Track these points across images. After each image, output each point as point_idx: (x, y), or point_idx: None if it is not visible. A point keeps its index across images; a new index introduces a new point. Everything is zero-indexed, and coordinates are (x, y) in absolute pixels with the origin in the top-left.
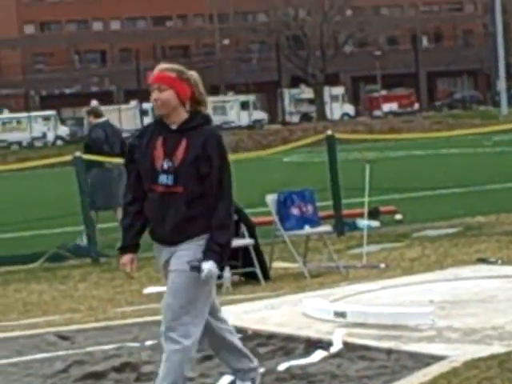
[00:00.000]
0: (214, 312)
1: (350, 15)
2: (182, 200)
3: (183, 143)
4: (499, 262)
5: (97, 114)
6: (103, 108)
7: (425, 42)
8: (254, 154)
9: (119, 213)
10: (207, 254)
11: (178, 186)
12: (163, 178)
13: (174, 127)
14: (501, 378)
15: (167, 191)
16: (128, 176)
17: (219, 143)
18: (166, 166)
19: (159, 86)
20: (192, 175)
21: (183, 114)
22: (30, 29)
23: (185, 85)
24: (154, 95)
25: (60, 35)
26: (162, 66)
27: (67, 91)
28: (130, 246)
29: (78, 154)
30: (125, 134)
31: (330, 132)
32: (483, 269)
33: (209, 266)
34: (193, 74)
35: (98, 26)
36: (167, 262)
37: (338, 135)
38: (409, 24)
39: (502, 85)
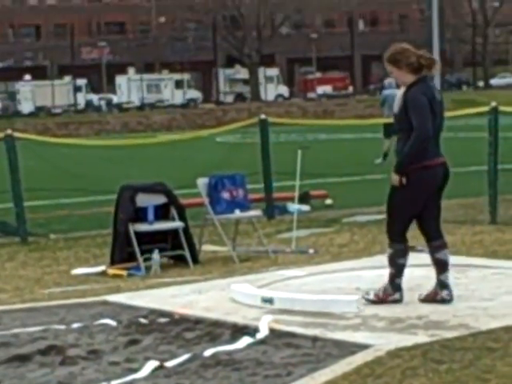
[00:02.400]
0: None
1: None
2: None
3: None
4: (426, 250)
5: None
6: (36, 83)
7: (361, 25)
8: (188, 136)
9: None
10: None
11: None
12: None
13: None
14: (424, 368)
15: None
16: None
17: None
18: None
19: None
20: None
21: None
22: None
23: None
24: None
25: None
26: None
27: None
28: None
29: (9, 131)
30: (57, 110)
31: (263, 116)
32: (411, 257)
33: None
34: None
35: (33, 0)
36: None
37: (271, 119)
38: (345, 7)
39: (435, 70)
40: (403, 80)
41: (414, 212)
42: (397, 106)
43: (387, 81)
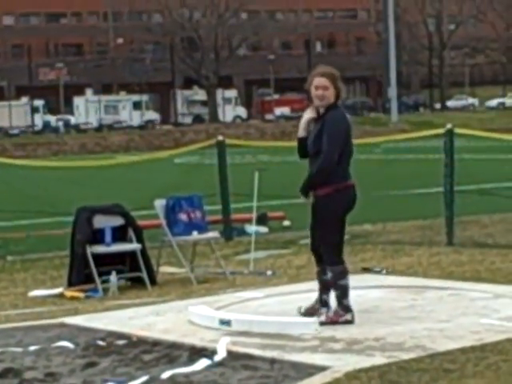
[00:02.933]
0: None
1: (244, 18)
2: None
3: None
4: (384, 271)
5: None
6: None
7: (318, 47)
8: (146, 158)
9: None
10: None
11: None
12: None
13: None
14: None
15: None
16: None
17: None
18: None
19: None
20: None
21: None
22: None
23: None
24: None
25: None
26: None
27: None
28: None
29: None
30: (15, 131)
31: (220, 138)
32: (368, 278)
33: None
34: None
35: None
36: None
37: (228, 141)
38: (303, 29)
39: (392, 92)
40: (330, 101)
41: (343, 230)
42: (304, 129)
43: None
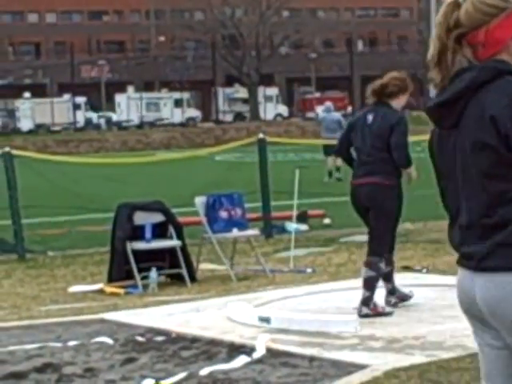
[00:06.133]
0: None
1: (286, 16)
2: None
3: None
4: (424, 270)
5: None
6: (35, 101)
7: (360, 46)
8: (187, 155)
9: None
10: None
11: None
12: None
13: None
14: None
15: None
16: None
17: None
18: None
19: None
20: None
21: None
22: None
23: None
24: None
25: None
26: None
27: None
28: None
29: (7, 149)
30: (56, 128)
31: (261, 135)
32: (408, 277)
33: None
34: None
35: (33, 17)
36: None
37: (269, 139)
38: (344, 28)
39: (434, 91)
40: None
41: (367, 225)
42: None
43: (326, 104)
